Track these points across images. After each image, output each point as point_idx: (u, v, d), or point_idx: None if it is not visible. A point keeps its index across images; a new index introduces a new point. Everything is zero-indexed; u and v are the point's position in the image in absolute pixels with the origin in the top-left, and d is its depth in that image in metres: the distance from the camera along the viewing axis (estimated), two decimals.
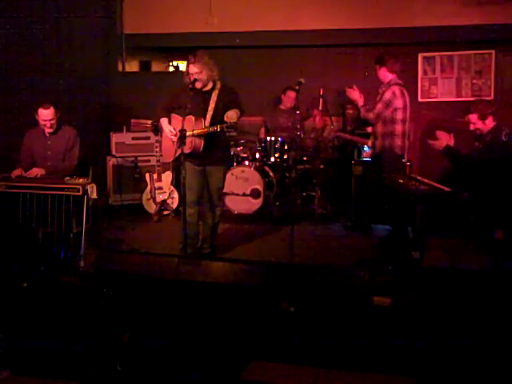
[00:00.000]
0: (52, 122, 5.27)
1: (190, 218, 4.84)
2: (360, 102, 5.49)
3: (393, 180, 5.16)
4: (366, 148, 6.37)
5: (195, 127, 4.78)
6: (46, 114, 5.24)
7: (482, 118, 4.71)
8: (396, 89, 5.35)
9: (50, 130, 5.32)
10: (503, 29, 6.79)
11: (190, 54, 4.92)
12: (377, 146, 5.55)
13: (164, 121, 5.01)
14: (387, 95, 5.33)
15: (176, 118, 4.94)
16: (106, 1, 7.76)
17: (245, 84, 7.27)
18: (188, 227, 4.71)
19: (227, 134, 4.81)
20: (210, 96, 4.90)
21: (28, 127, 5.52)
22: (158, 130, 5.13)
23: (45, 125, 5.27)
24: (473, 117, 4.74)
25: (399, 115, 5.36)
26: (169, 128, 4.92)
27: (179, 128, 4.56)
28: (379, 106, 5.35)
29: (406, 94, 5.43)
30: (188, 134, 4.71)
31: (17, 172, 5.12)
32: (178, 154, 4.76)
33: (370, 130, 5.93)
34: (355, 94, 5.50)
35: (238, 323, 3.49)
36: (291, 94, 6.93)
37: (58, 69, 7.20)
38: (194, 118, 4.78)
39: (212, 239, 5.21)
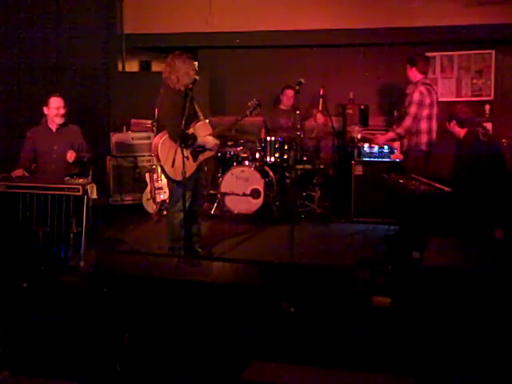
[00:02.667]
0: (61, 110, 5.39)
1: (181, 221, 4.82)
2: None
3: (393, 180, 5.17)
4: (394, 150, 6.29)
5: (207, 130, 4.89)
6: (58, 101, 5.38)
7: (449, 119, 4.96)
8: (422, 88, 5.50)
9: (61, 121, 5.40)
10: (503, 29, 6.79)
11: (188, 54, 4.92)
12: (404, 143, 5.69)
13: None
14: (416, 96, 5.48)
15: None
16: (106, 1, 7.76)
17: (245, 84, 7.30)
18: (179, 230, 4.82)
19: (254, 113, 5.23)
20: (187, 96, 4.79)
21: (28, 127, 5.54)
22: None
23: (56, 114, 5.36)
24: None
25: (425, 112, 5.49)
26: (212, 140, 4.94)
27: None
28: (413, 110, 5.46)
29: (433, 92, 5.58)
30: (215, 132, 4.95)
31: (18, 172, 5.13)
32: (196, 167, 4.87)
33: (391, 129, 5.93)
34: None
35: (238, 323, 3.49)
36: (289, 93, 6.95)
37: (58, 69, 7.20)
38: (202, 123, 4.87)
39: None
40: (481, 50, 7.07)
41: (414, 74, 5.64)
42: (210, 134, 4.93)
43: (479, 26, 6.85)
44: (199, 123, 4.87)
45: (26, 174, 5.19)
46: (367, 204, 6.40)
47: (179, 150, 4.54)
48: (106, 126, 7.52)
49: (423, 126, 5.48)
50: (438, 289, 3.51)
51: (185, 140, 4.61)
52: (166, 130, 4.82)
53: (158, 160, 4.89)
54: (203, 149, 4.92)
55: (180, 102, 4.72)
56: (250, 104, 5.13)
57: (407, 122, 5.46)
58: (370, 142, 6.29)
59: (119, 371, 3.25)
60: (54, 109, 5.38)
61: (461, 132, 4.90)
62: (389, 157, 6.35)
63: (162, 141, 4.81)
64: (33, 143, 5.42)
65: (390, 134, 5.68)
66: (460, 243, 4.24)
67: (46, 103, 5.42)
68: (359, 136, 6.41)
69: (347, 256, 5.21)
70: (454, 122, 4.91)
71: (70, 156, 5.28)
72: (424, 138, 5.50)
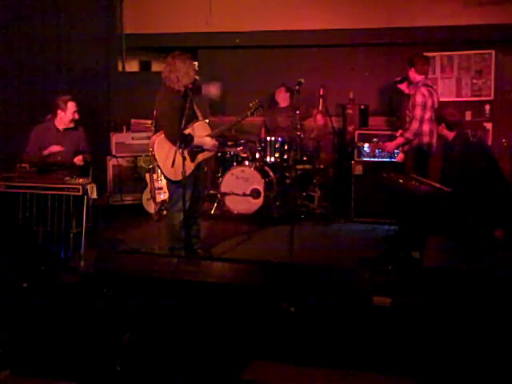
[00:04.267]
0: (77, 114, 5.58)
1: (181, 222, 4.79)
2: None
3: (393, 180, 5.17)
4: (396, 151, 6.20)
5: (205, 131, 4.87)
6: (74, 106, 5.56)
7: (438, 121, 4.98)
8: (424, 90, 5.51)
9: (73, 124, 5.56)
10: (503, 29, 6.79)
11: (188, 54, 4.91)
12: (405, 146, 5.68)
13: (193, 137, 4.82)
14: (419, 98, 5.48)
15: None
16: (106, 1, 7.76)
17: (245, 84, 7.30)
18: (179, 230, 4.80)
19: (255, 114, 5.16)
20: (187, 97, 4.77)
21: (29, 126, 5.55)
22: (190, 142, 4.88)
23: (72, 118, 5.55)
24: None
25: (427, 115, 5.49)
26: (210, 141, 4.92)
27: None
28: (418, 112, 5.45)
29: (434, 93, 5.59)
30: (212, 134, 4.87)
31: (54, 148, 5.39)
32: (194, 167, 4.84)
33: (398, 133, 5.91)
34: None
35: (238, 323, 3.49)
36: (281, 90, 6.98)
37: (58, 69, 7.20)
38: (200, 123, 4.86)
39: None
40: (481, 50, 7.06)
41: (413, 75, 5.65)
42: (208, 135, 4.92)
43: (479, 26, 6.85)
44: (197, 123, 4.86)
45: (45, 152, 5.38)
46: (367, 204, 6.40)
47: (176, 150, 4.52)
48: (106, 126, 7.52)
49: (425, 128, 5.48)
50: (438, 289, 3.51)
51: (181, 140, 4.58)
52: (163, 130, 4.81)
53: (155, 160, 4.90)
54: (201, 149, 4.91)
55: (179, 102, 4.71)
56: (251, 105, 5.07)
57: (414, 125, 5.44)
58: (381, 150, 6.27)
59: (119, 371, 3.25)
60: (71, 113, 5.52)
61: (449, 135, 4.90)
62: (389, 157, 6.35)
63: (157, 141, 4.81)
64: (38, 142, 5.44)
65: (400, 140, 5.63)
66: (460, 243, 4.24)
67: (61, 106, 5.51)
68: (368, 150, 6.43)
69: (347, 256, 5.21)
70: (443, 125, 4.91)
71: (78, 160, 5.44)
72: (425, 140, 5.50)
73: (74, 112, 5.55)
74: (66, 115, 5.52)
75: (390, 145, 5.76)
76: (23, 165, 5.10)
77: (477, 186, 4.55)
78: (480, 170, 4.64)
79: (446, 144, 5.01)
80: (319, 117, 6.90)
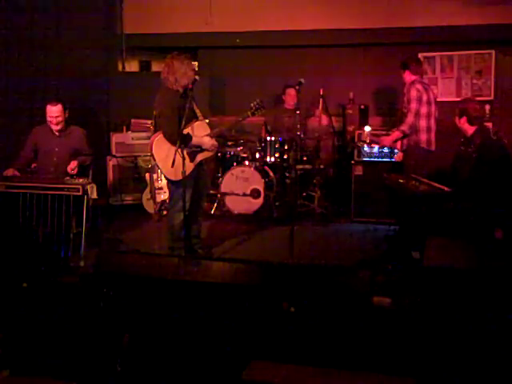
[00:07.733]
0: (58, 119, 5.38)
1: (182, 222, 4.79)
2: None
3: (393, 180, 5.17)
4: (395, 151, 6.23)
5: (205, 130, 4.85)
6: (53, 111, 5.36)
7: (460, 115, 4.85)
8: (418, 85, 5.52)
9: (57, 128, 5.41)
10: (503, 29, 6.80)
11: (187, 54, 4.91)
12: (404, 142, 5.67)
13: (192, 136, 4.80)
14: (413, 93, 5.48)
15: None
16: (106, 1, 7.76)
17: (245, 84, 7.31)
18: (179, 230, 4.79)
19: (256, 114, 5.09)
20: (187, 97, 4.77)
21: (28, 127, 5.55)
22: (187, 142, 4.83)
23: (51, 121, 5.37)
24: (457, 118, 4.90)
25: (423, 110, 5.49)
26: (209, 140, 4.89)
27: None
28: (413, 106, 5.45)
29: (429, 90, 5.58)
30: (211, 133, 4.85)
31: (8, 172, 5.14)
32: (194, 167, 4.83)
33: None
34: None
35: (238, 323, 3.49)
36: (292, 92, 6.95)
37: (58, 69, 7.20)
38: (199, 123, 4.84)
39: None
40: (481, 50, 7.07)
41: (407, 77, 5.66)
42: (207, 135, 4.91)
43: (479, 26, 6.86)
44: (197, 123, 4.85)
45: (17, 174, 5.18)
46: (367, 204, 6.41)
47: (175, 150, 4.51)
48: (106, 126, 7.53)
49: (422, 123, 5.49)
50: (438, 289, 3.51)
51: (179, 140, 4.56)
52: (162, 130, 4.81)
53: (154, 159, 4.91)
54: (200, 149, 4.90)
55: (178, 102, 4.71)
56: (252, 105, 5.05)
57: (409, 118, 5.45)
58: (377, 144, 6.25)
59: (119, 371, 3.25)
60: (50, 117, 5.37)
61: (470, 129, 4.81)
62: (389, 157, 6.35)
63: (155, 141, 4.81)
64: (35, 142, 5.43)
65: (396, 134, 5.62)
66: (460, 243, 4.24)
67: (44, 108, 5.40)
68: (368, 140, 6.40)
69: (347, 256, 5.21)
70: (465, 118, 4.81)
71: (71, 168, 5.27)
72: (423, 137, 5.50)
73: (53, 117, 5.35)
74: (47, 118, 5.39)
75: (387, 139, 5.76)
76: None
77: (486, 184, 4.51)
78: (494, 168, 4.60)
79: (464, 138, 4.94)
80: (323, 118, 6.86)
